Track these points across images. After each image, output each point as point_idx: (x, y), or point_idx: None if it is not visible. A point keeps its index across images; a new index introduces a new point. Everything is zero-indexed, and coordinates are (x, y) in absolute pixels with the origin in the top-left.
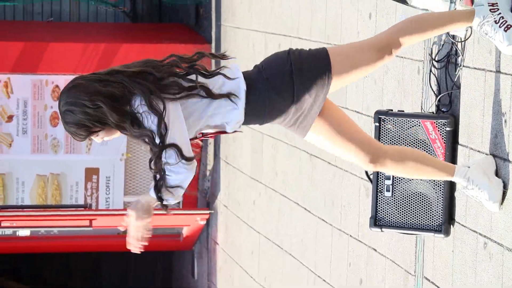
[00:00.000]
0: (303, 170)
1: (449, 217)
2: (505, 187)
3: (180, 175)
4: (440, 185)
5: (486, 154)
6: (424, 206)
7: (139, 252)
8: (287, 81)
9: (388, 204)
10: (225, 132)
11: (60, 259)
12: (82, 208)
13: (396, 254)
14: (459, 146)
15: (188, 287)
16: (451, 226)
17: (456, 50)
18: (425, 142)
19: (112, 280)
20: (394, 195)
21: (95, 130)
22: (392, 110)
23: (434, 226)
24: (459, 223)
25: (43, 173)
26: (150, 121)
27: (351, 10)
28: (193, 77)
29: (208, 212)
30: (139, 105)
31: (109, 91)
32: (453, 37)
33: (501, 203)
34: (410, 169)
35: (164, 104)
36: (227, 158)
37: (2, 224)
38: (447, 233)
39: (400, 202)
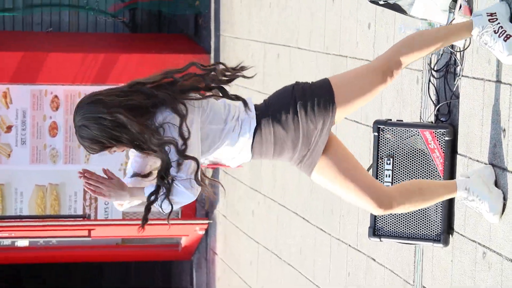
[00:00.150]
0: (302, 180)
1: (448, 227)
2: (504, 198)
3: (186, 193)
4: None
5: (485, 164)
6: (423, 215)
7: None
8: (292, 116)
9: (387, 214)
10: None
11: (60, 270)
12: (81, 218)
13: (395, 264)
14: (458, 156)
15: None
16: (450, 235)
17: (455, 59)
18: (424, 152)
19: None
20: None
21: (109, 146)
22: (391, 119)
23: (433, 235)
24: (458, 233)
25: (42, 183)
26: (172, 130)
27: (350, 20)
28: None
29: (207, 222)
30: (161, 118)
31: (129, 104)
32: (452, 46)
33: (501, 215)
34: (417, 203)
35: (187, 109)
36: (226, 168)
37: (1, 235)
38: (446, 242)
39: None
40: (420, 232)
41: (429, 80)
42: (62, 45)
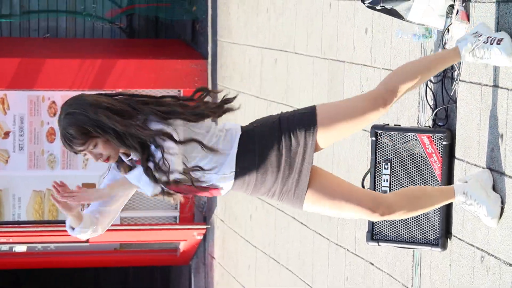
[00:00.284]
0: None
1: (446, 231)
2: (502, 202)
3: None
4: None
5: (483, 168)
6: (421, 220)
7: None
8: (275, 131)
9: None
10: (211, 191)
11: (58, 275)
12: None
13: (393, 268)
14: (455, 160)
15: None
16: (448, 240)
17: (452, 64)
18: (421, 156)
19: None
20: None
21: (94, 135)
22: (388, 124)
23: (431, 240)
24: (456, 237)
25: (39, 189)
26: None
27: (347, 25)
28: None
29: (205, 226)
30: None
31: (113, 106)
32: None
33: (499, 219)
34: (414, 209)
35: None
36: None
37: None
38: (444, 247)
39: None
40: (418, 236)
41: (427, 85)
42: (59, 51)
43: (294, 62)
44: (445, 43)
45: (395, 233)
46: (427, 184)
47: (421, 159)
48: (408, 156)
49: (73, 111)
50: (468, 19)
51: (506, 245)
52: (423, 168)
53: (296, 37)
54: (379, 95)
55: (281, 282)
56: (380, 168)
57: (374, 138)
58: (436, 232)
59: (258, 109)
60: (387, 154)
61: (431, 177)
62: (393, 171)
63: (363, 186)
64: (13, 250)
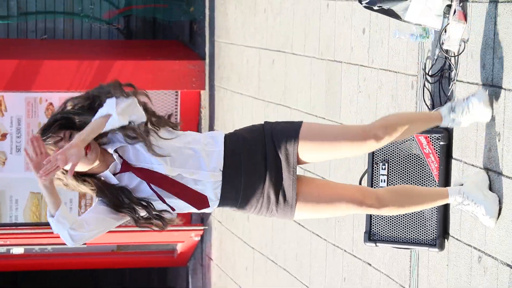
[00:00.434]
0: None
1: (444, 231)
2: (499, 201)
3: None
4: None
5: (480, 168)
6: (418, 220)
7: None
8: (260, 140)
9: (382, 219)
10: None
11: (55, 277)
12: None
13: (390, 269)
14: (453, 160)
15: None
16: (446, 240)
17: (450, 64)
18: (419, 157)
19: None
20: None
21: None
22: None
23: (429, 240)
24: (454, 237)
25: (37, 191)
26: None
27: (344, 26)
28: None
29: (202, 228)
30: None
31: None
32: (447, 51)
33: (497, 218)
34: (405, 205)
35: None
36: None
37: None
38: (441, 247)
39: (394, 217)
40: (416, 236)
41: (424, 85)
42: (57, 52)
43: (292, 63)
44: (443, 43)
45: (392, 233)
46: (424, 184)
47: (419, 160)
48: (406, 156)
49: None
50: (466, 19)
51: (503, 245)
52: (421, 169)
53: (294, 38)
54: (370, 129)
55: (278, 283)
56: (377, 168)
57: None
58: (433, 233)
59: (255, 110)
60: (384, 154)
61: (429, 177)
62: (390, 172)
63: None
64: (11, 252)
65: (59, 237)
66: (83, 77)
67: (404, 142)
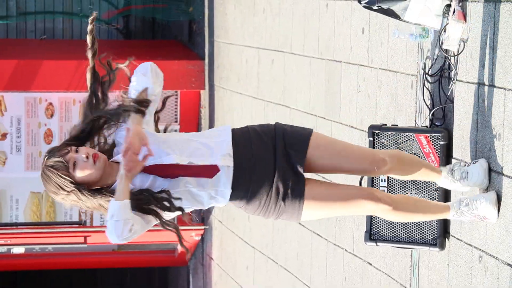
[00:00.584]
0: None
1: (444, 231)
2: (499, 199)
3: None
4: (435, 199)
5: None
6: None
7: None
8: (270, 134)
9: (382, 218)
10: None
11: (56, 277)
12: (77, 225)
13: (391, 268)
14: (453, 160)
15: None
16: (446, 239)
17: (449, 64)
18: (419, 156)
19: None
20: None
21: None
22: (386, 124)
23: (429, 240)
24: (454, 237)
25: (37, 191)
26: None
27: (344, 26)
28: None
29: (203, 227)
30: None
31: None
32: (446, 51)
33: (498, 209)
34: (409, 209)
35: None
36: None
37: None
38: (442, 246)
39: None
40: (416, 236)
41: (424, 85)
42: (56, 53)
43: (291, 63)
44: (442, 43)
45: (393, 233)
46: (424, 185)
47: None
48: None
49: None
50: (465, 19)
51: (504, 244)
52: None
53: (293, 38)
54: (383, 156)
55: (279, 282)
56: None
57: (371, 138)
58: (434, 232)
59: (255, 109)
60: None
61: None
62: None
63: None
64: (11, 252)
65: (59, 236)
66: (82, 77)
67: (404, 142)
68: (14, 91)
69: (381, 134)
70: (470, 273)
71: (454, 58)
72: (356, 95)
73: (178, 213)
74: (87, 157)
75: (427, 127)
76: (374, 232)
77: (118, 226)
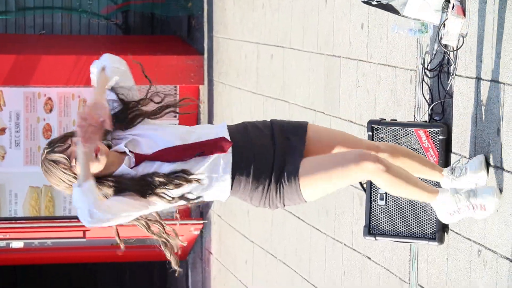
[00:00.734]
0: None
1: (443, 225)
2: (501, 191)
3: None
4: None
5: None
6: (418, 214)
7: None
8: (267, 125)
9: (381, 212)
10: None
11: (55, 271)
12: (76, 219)
13: (390, 263)
14: (452, 155)
15: None
16: (445, 234)
17: (449, 59)
18: (418, 151)
19: None
20: (388, 204)
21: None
22: (385, 119)
23: (428, 234)
24: (453, 231)
25: (36, 185)
26: None
27: (343, 21)
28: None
29: (202, 222)
30: None
31: None
32: (445, 46)
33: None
34: (400, 179)
35: None
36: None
37: None
38: (441, 241)
39: (394, 211)
40: (415, 230)
41: (423, 80)
42: (55, 48)
43: (291, 58)
44: (441, 38)
45: (392, 227)
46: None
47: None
48: None
49: None
50: (464, 14)
51: (502, 238)
52: None
53: (292, 33)
54: (378, 145)
55: (278, 277)
56: None
57: (370, 133)
58: (433, 226)
59: (254, 104)
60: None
61: None
62: None
63: (361, 185)
64: (10, 246)
65: (58, 231)
66: (81, 72)
67: (403, 136)
68: (13, 86)
69: (380, 129)
70: (469, 267)
71: (453, 53)
72: (355, 90)
73: (182, 202)
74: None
75: (426, 122)
76: (373, 227)
77: (85, 214)
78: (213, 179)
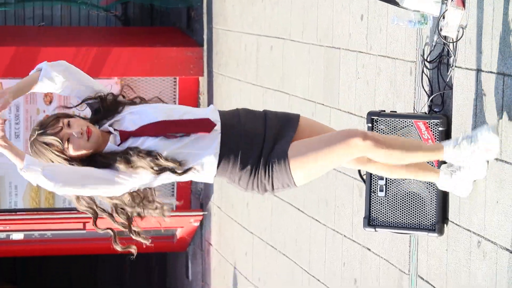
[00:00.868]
0: None
1: (443, 216)
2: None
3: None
4: (434, 184)
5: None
6: (418, 205)
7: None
8: (260, 113)
9: (381, 204)
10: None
11: (55, 262)
12: (76, 211)
13: (390, 254)
14: None
15: None
16: (445, 225)
17: (448, 50)
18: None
19: (108, 282)
20: (388, 195)
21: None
22: (384, 111)
23: (428, 225)
24: (453, 222)
25: None
26: None
27: (343, 12)
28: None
29: (201, 213)
30: None
31: None
32: (445, 37)
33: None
34: (396, 148)
35: None
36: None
37: None
38: (441, 232)
39: (394, 202)
40: (415, 221)
41: (422, 71)
42: (54, 39)
43: (290, 50)
44: (441, 30)
45: (392, 218)
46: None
47: None
48: None
49: None
50: (464, 5)
51: (502, 230)
52: None
53: (292, 25)
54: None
55: (278, 268)
56: None
57: (370, 125)
58: (432, 218)
59: (254, 96)
60: None
61: (427, 162)
62: None
63: (360, 176)
64: (10, 238)
65: (58, 222)
66: (81, 64)
67: (403, 128)
68: (12, 78)
69: (379, 120)
70: (468, 258)
71: (453, 44)
72: (355, 82)
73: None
74: (81, 133)
75: (425, 113)
76: (373, 218)
77: (43, 180)
78: (197, 156)
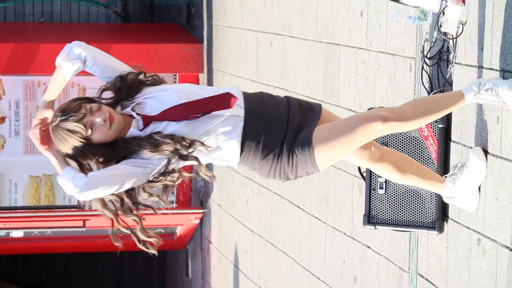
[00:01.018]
0: None
1: (443, 214)
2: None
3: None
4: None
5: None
6: (418, 203)
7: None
8: (283, 100)
9: (381, 201)
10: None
11: (55, 260)
12: (76, 209)
13: (390, 251)
14: (451, 143)
15: (183, 286)
16: (445, 222)
17: (448, 47)
18: (417, 139)
19: (107, 281)
20: (388, 193)
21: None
22: (384, 107)
23: (428, 223)
24: (453, 220)
25: (36, 174)
26: None
27: (342, 8)
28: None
29: (201, 211)
30: None
31: None
32: (445, 34)
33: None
34: (424, 113)
35: None
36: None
37: None
38: (440, 229)
39: (394, 200)
40: (415, 219)
41: (422, 68)
42: (54, 36)
43: (290, 46)
44: (441, 26)
45: (391, 216)
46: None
47: (417, 142)
48: (404, 139)
49: None
50: (464, 1)
51: (502, 227)
52: (419, 151)
53: (292, 21)
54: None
55: (278, 266)
56: None
57: None
58: (432, 215)
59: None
60: (383, 137)
61: (427, 159)
62: None
63: (360, 173)
64: (10, 236)
65: (58, 220)
66: None
67: None
68: (12, 74)
69: None
70: (468, 256)
71: (453, 41)
72: (354, 78)
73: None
74: (104, 121)
75: None
76: (372, 216)
77: (70, 186)
78: (220, 141)
